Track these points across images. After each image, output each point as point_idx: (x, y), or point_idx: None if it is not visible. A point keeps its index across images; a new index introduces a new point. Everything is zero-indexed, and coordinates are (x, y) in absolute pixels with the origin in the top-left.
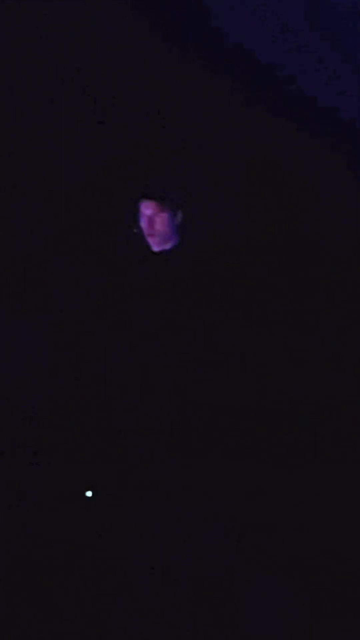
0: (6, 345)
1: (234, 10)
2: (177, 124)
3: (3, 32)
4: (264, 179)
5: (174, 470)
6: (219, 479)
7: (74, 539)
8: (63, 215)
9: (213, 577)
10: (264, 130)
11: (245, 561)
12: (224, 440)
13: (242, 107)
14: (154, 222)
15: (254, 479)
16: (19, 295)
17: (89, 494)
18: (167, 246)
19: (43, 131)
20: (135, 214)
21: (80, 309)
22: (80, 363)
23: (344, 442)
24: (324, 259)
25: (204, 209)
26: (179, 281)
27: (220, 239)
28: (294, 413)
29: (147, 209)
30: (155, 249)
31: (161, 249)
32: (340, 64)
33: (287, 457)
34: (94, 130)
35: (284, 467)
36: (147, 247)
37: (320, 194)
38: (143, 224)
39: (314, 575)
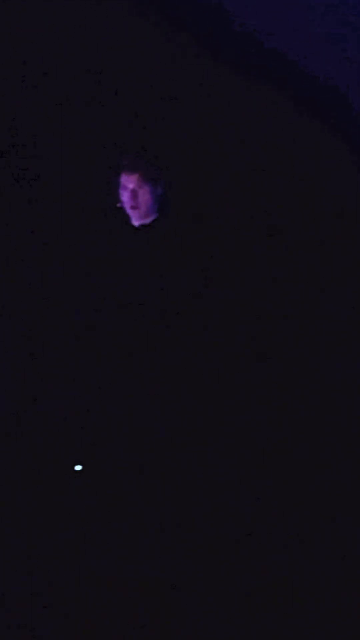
0: None
1: None
2: (164, 100)
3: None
4: (252, 158)
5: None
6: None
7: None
8: (43, 191)
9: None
10: (256, 109)
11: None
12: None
13: (234, 85)
14: (137, 195)
15: (253, 472)
16: None
17: (78, 467)
18: (148, 220)
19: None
20: (116, 188)
21: (60, 285)
22: (63, 340)
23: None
24: (314, 234)
25: (185, 183)
26: (161, 255)
27: (202, 213)
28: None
29: (129, 182)
30: (136, 223)
31: (142, 223)
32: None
33: (286, 455)
34: (79, 104)
35: (283, 466)
36: (128, 221)
37: (307, 167)
38: (125, 197)
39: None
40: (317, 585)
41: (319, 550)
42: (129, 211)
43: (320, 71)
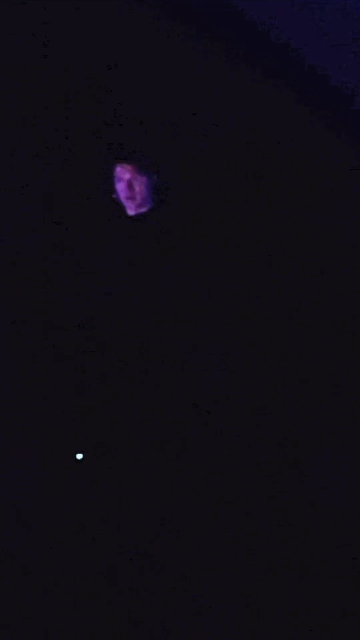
0: None
1: None
2: (161, 91)
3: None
4: (251, 150)
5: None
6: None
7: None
8: (38, 182)
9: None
10: (257, 103)
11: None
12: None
13: (234, 78)
14: (133, 186)
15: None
16: None
17: (79, 456)
18: (143, 209)
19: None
20: (110, 179)
21: (55, 277)
22: (59, 332)
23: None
24: (314, 227)
25: (181, 173)
26: (156, 245)
27: (198, 203)
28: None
29: (124, 173)
30: (131, 212)
31: (137, 213)
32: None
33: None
34: (75, 96)
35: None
36: (123, 211)
37: (308, 162)
38: (120, 188)
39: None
40: (318, 585)
41: (320, 551)
42: (124, 202)
43: (322, 68)
